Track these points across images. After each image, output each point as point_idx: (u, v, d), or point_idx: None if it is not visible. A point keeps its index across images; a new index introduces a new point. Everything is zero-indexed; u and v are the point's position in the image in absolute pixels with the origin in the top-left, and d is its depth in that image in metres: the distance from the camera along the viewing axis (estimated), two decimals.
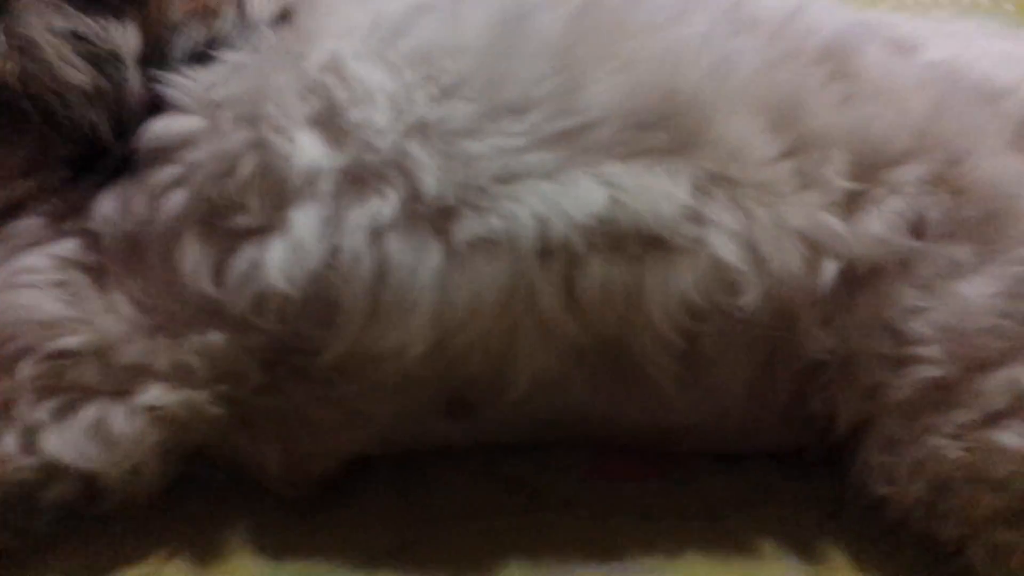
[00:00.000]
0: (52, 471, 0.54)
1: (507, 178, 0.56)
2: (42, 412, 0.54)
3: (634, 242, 0.56)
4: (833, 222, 0.57)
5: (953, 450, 0.56)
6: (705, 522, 0.60)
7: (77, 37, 0.57)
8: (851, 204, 0.58)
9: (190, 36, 0.59)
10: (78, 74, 0.56)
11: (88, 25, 0.57)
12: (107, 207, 0.56)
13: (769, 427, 0.63)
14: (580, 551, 0.58)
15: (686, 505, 0.61)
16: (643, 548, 0.58)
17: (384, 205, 0.55)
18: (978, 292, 0.57)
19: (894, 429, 0.58)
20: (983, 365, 0.56)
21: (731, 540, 0.59)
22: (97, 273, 0.56)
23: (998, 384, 0.56)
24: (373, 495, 0.61)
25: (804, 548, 0.60)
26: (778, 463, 0.64)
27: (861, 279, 0.58)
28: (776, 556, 0.59)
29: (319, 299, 0.55)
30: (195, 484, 0.58)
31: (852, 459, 0.60)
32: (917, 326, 0.57)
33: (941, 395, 0.57)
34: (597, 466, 0.64)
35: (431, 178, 0.55)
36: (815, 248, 0.57)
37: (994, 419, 0.56)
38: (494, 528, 0.59)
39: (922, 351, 0.57)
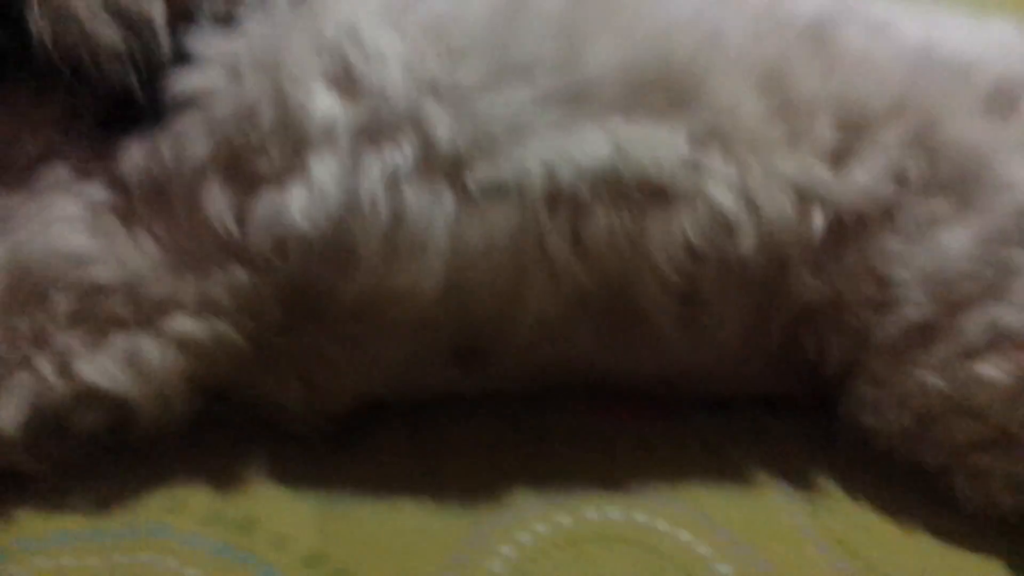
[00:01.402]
0: (86, 396, 0.56)
1: (517, 130, 0.59)
2: (76, 341, 0.56)
3: (637, 190, 0.59)
4: (822, 172, 0.61)
5: (936, 383, 0.60)
6: (703, 455, 0.63)
7: (109, 1, 0.59)
8: (838, 157, 0.62)
9: (214, 1, 0.62)
10: (110, 34, 0.59)
11: None
12: (135, 153, 0.58)
13: (763, 370, 0.66)
14: (585, 481, 0.60)
15: (685, 440, 0.64)
16: (645, 478, 0.61)
17: (399, 156, 0.58)
18: (956, 240, 0.60)
19: (881, 366, 0.62)
20: (962, 306, 0.60)
21: (728, 471, 0.62)
22: (125, 214, 0.58)
23: (976, 322, 0.59)
24: (388, 434, 0.63)
25: (797, 476, 0.63)
26: (771, 405, 0.67)
27: (848, 228, 0.62)
28: (771, 484, 0.62)
29: (338, 242, 0.57)
30: (218, 422, 0.60)
31: (842, 396, 0.64)
32: (900, 271, 0.61)
33: (924, 334, 0.60)
34: (601, 407, 0.66)
35: (444, 131, 0.58)
36: (805, 197, 0.61)
37: (972, 353, 0.59)
38: (503, 461, 0.62)
39: (905, 294, 0.61)
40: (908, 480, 0.62)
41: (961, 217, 0.61)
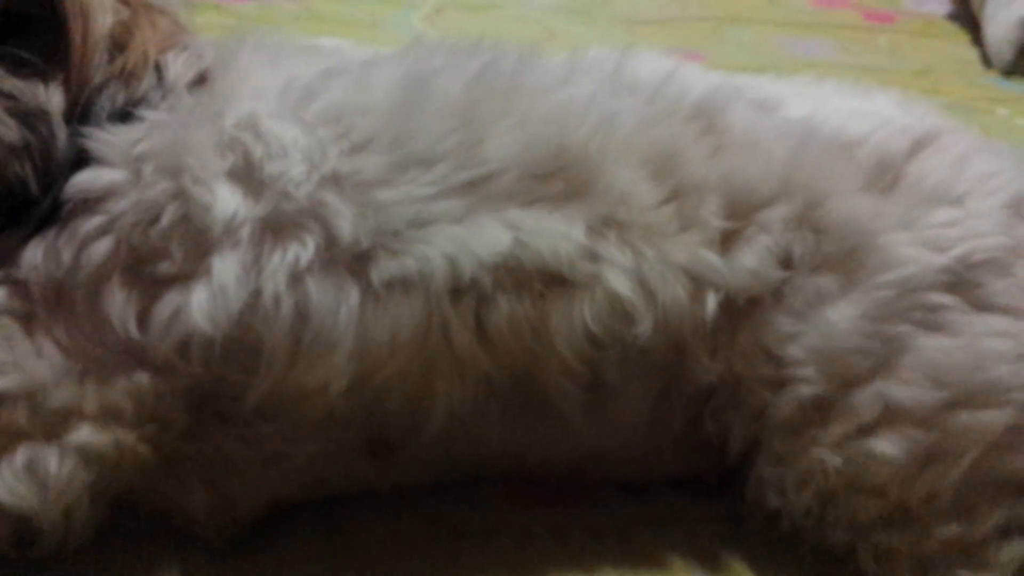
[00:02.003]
0: None
1: (418, 223, 0.60)
2: None
3: (537, 279, 0.60)
4: (711, 258, 0.63)
5: (834, 461, 0.61)
6: (616, 542, 0.64)
7: (5, 95, 0.59)
8: (726, 242, 0.63)
9: (112, 96, 0.62)
10: (6, 129, 0.58)
11: (15, 84, 0.59)
12: (34, 256, 0.57)
13: (670, 452, 0.67)
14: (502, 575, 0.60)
15: (598, 528, 0.65)
16: (560, 569, 0.61)
17: (303, 251, 0.58)
18: (843, 316, 0.62)
19: (780, 445, 0.63)
20: (853, 382, 0.62)
21: (641, 557, 0.63)
22: (26, 320, 0.57)
23: (867, 398, 0.61)
24: (298, 536, 0.62)
25: (709, 560, 0.64)
26: (680, 488, 0.68)
27: (741, 310, 0.63)
28: (684, 569, 0.63)
29: (242, 342, 0.57)
30: (123, 533, 0.59)
31: (746, 477, 0.65)
32: (792, 350, 0.63)
33: (819, 411, 0.62)
34: (512, 497, 0.66)
35: (347, 224, 0.58)
36: (697, 282, 0.62)
37: (866, 430, 0.61)
38: (417, 560, 0.61)
39: (798, 372, 0.62)
40: (817, 561, 0.63)
41: (847, 293, 0.63)
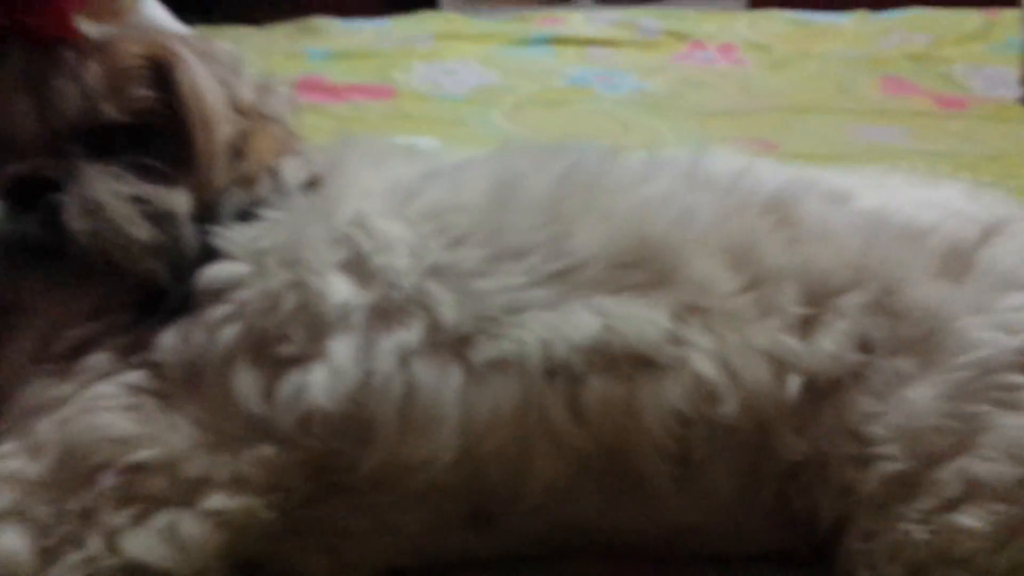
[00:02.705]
0: (131, 571, 0.59)
1: (514, 310, 0.64)
2: (121, 518, 0.59)
3: (626, 361, 0.64)
4: (791, 342, 0.65)
5: (921, 534, 0.63)
6: None
7: (138, 200, 0.66)
8: (805, 327, 0.66)
9: (234, 198, 0.69)
10: (140, 231, 0.65)
11: (146, 190, 0.66)
12: (169, 341, 0.63)
13: (760, 527, 0.69)
14: None
15: None
16: None
17: (409, 335, 0.63)
18: (923, 396, 0.64)
19: (869, 520, 0.65)
20: (936, 458, 0.63)
21: None
22: (162, 398, 0.63)
23: (951, 474, 0.63)
24: None
25: None
26: (769, 562, 0.69)
27: (823, 390, 0.66)
28: None
29: (356, 417, 0.62)
30: None
31: (836, 551, 0.66)
32: (875, 428, 0.65)
33: (904, 487, 0.64)
34: (609, 569, 0.69)
35: (449, 311, 0.64)
36: (779, 364, 0.65)
37: (952, 505, 0.62)
38: None
39: (882, 450, 0.64)
40: None
41: (926, 375, 0.65)
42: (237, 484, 0.61)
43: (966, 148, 1.50)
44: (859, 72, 1.86)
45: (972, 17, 2.08)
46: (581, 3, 2.88)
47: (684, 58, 1.96)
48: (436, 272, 0.65)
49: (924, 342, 0.66)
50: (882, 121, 1.62)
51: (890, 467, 0.64)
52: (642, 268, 0.66)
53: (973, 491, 0.62)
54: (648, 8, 2.59)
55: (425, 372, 0.62)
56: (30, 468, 0.61)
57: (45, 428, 0.62)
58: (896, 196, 0.75)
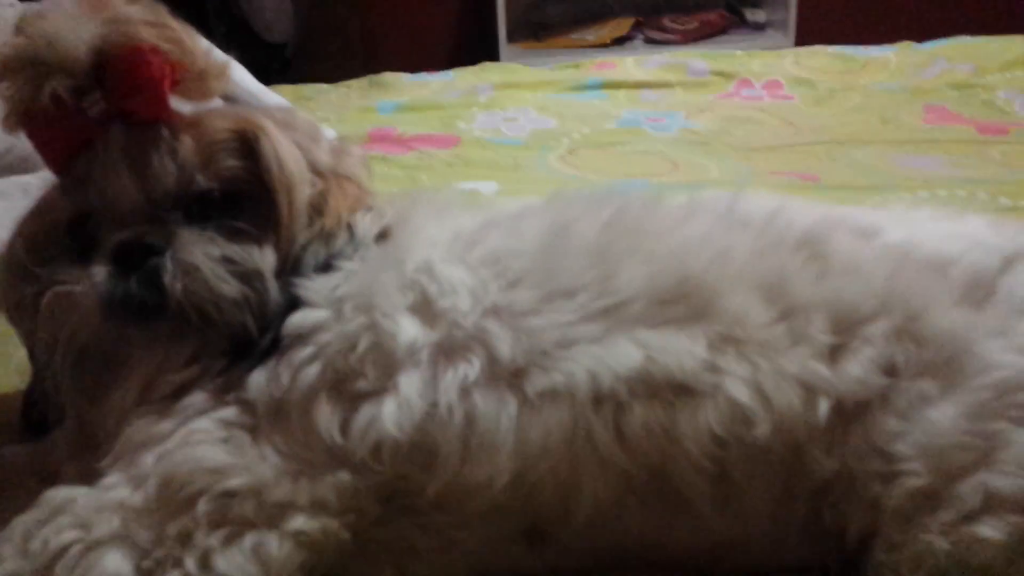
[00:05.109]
0: None
1: (564, 344, 0.71)
2: (214, 539, 0.66)
3: (667, 389, 0.70)
4: (821, 368, 0.71)
5: (942, 544, 0.67)
6: None
7: (228, 261, 0.74)
8: (834, 354, 0.71)
9: (315, 253, 0.77)
10: (230, 288, 0.73)
11: (235, 251, 0.74)
12: (258, 380, 0.72)
13: (793, 541, 0.74)
14: None
15: None
16: None
17: (470, 369, 0.70)
18: (945, 416, 0.69)
19: (894, 533, 0.69)
20: (957, 474, 0.67)
21: None
22: (252, 431, 0.70)
23: (971, 488, 0.67)
24: None
25: None
26: (806, 573, 0.74)
27: (851, 412, 0.71)
28: None
29: (422, 445, 0.69)
30: None
31: (865, 562, 0.71)
32: (900, 447, 0.69)
33: (927, 501, 0.68)
34: None
35: (505, 347, 0.71)
36: (809, 389, 0.70)
37: (972, 517, 0.67)
38: None
39: (906, 466, 0.69)
40: None
41: (948, 396, 0.69)
42: (316, 507, 0.68)
43: (1004, 174, 1.50)
44: (902, 103, 1.88)
45: (1016, 43, 2.08)
46: (634, 46, 2.96)
47: (731, 96, 1.99)
48: (494, 312, 0.72)
49: (946, 365, 0.70)
50: (922, 150, 1.63)
51: (914, 482, 0.68)
52: (682, 303, 0.72)
53: (991, 504, 0.66)
54: (698, 49, 2.66)
55: (484, 402, 0.69)
56: (133, 497, 0.68)
57: (146, 461, 0.69)
58: (921, 229, 0.80)
